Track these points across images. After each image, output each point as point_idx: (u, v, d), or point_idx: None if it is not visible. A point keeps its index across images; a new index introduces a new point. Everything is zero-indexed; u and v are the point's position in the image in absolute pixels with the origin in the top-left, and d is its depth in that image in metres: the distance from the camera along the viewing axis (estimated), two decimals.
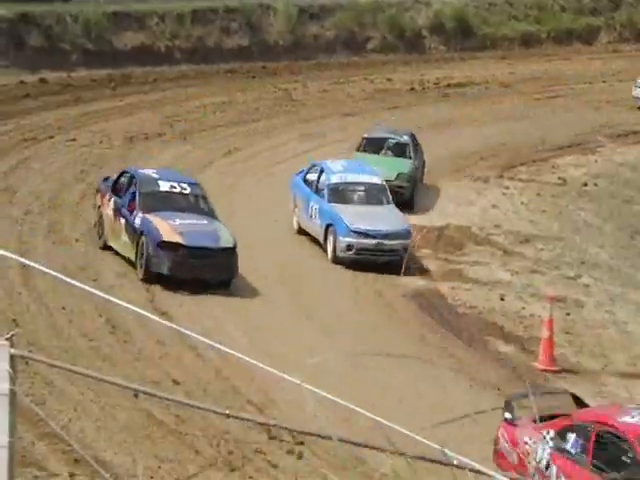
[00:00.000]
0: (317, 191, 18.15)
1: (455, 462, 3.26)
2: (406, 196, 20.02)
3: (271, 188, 20.42)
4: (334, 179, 18.26)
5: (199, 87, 26.86)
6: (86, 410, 11.14)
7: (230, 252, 15.31)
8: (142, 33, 28.38)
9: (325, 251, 17.60)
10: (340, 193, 18.08)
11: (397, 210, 18.24)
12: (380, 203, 18.10)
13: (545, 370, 14.65)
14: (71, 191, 19.72)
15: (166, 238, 15.36)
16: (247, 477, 9.69)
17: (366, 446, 4.94)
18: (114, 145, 22.32)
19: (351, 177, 18.39)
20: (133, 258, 15.66)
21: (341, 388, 11.43)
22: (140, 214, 15.83)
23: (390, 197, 18.25)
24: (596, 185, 22.70)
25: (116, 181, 16.94)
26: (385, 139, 20.98)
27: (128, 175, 16.91)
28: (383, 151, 20.79)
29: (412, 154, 20.70)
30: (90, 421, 10.83)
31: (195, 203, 16.23)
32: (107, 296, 10.87)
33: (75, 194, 19.59)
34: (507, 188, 22.34)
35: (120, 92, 25.81)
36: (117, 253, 16.18)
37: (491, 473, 2.69)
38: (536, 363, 14.79)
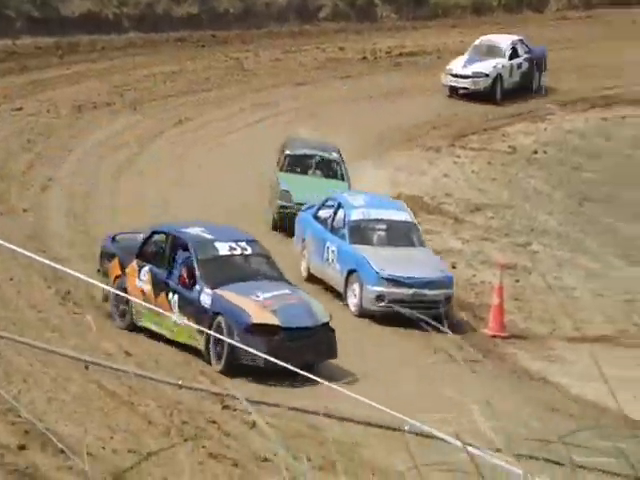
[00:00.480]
0: (333, 230, 15.28)
1: (406, 428, 3.26)
2: None
3: (222, 158, 20.29)
4: (355, 215, 15.19)
5: (148, 56, 26.54)
6: (37, 382, 11.04)
7: (328, 328, 12.44)
8: (89, 0, 27.92)
9: (345, 302, 14.55)
10: (363, 232, 15.12)
11: (433, 253, 15.58)
12: (411, 244, 15.12)
13: (495, 336, 14.83)
14: (17, 160, 19.42)
15: (258, 320, 12.08)
16: (200, 447, 9.72)
17: (318, 414, 4.96)
18: (61, 114, 21.98)
19: (375, 213, 15.32)
20: (198, 345, 12.23)
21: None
22: (207, 289, 12.40)
23: (422, 237, 15.49)
24: (545, 153, 22.92)
25: (144, 243, 13.34)
26: (312, 156, 17.76)
27: (166, 236, 13.26)
28: (311, 171, 17.65)
29: (344, 173, 17.71)
30: (41, 392, 10.74)
31: (262, 267, 13.13)
32: (58, 266, 10.74)
33: (22, 164, 19.28)
34: (458, 157, 22.47)
35: (67, 60, 25.41)
36: (152, 334, 12.72)
37: (445, 437, 2.69)
38: (486, 330, 14.96)
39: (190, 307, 12.45)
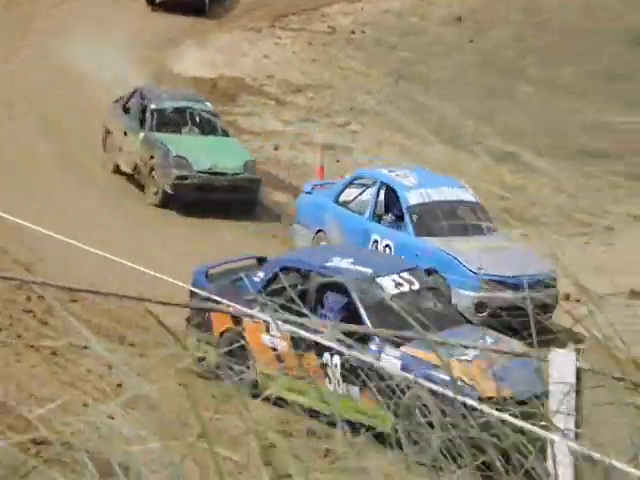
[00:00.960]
0: (375, 218, 11.97)
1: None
2: (256, 196, 14.44)
3: None
4: (414, 198, 11.82)
5: None
6: None
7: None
8: None
9: None
10: (429, 220, 11.73)
11: (515, 241, 12.04)
12: (480, 232, 11.78)
13: None
14: None
15: (488, 392, 7.97)
16: (16, 336, 9.54)
17: (143, 299, 4.93)
18: None
19: (436, 193, 11.97)
20: (382, 427, 8.23)
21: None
22: (390, 349, 8.75)
23: (492, 220, 12.12)
24: (363, 32, 23.07)
25: (269, 283, 9.50)
26: (183, 110, 14.93)
27: (303, 274, 9.43)
28: (186, 128, 14.88)
29: (224, 126, 15.29)
30: None
31: (437, 305, 9.57)
32: None
33: None
34: (279, 38, 22.30)
35: None
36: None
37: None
38: None
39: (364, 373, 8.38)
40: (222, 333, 9.57)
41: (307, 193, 13.04)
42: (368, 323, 8.77)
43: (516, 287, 10.75)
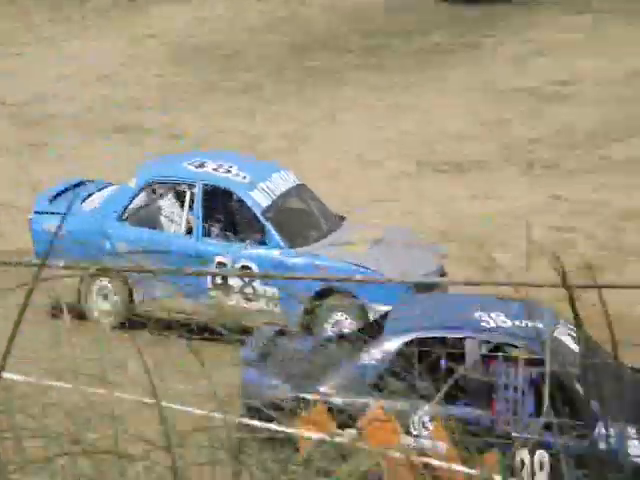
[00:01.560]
0: (205, 233, 8.58)
1: None
2: None
3: None
4: (262, 199, 8.64)
5: None
6: None
7: None
8: None
9: None
10: (290, 223, 8.77)
11: (366, 227, 9.11)
12: (338, 224, 8.97)
13: None
14: None
15: None
16: None
17: None
18: None
19: (274, 185, 8.84)
20: None
21: None
22: None
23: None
24: None
25: (394, 361, 6.58)
26: None
27: (456, 340, 6.63)
28: None
29: None
30: None
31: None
32: None
33: None
34: None
35: None
36: None
37: None
38: None
39: None
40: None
41: (43, 213, 8.72)
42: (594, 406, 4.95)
43: (431, 286, 8.48)
